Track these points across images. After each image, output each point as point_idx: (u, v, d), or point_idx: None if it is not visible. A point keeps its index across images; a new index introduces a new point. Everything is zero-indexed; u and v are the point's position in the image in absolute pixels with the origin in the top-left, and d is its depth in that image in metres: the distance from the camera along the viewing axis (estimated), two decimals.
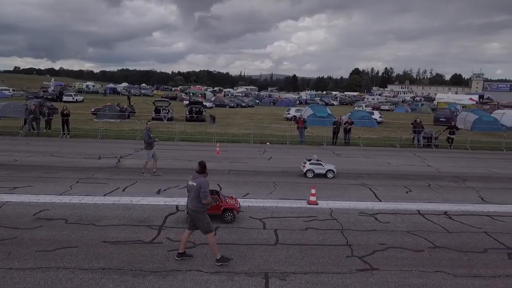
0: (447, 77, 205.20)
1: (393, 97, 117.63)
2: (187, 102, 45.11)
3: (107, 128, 24.76)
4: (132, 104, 39.92)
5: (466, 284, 6.53)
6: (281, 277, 6.48)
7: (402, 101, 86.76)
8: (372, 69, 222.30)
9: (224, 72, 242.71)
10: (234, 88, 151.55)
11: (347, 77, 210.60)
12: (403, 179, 14.30)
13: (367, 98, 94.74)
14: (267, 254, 7.36)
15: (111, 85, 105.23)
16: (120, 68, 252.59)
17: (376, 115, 40.01)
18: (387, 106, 66.98)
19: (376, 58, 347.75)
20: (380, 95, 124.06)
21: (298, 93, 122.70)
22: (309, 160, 14.28)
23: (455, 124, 25.64)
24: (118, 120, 30.56)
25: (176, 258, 6.97)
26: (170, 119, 32.39)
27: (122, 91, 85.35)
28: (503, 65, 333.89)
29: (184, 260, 6.95)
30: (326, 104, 72.50)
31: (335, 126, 23.75)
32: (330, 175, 14.02)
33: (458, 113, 42.37)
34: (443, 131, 24.67)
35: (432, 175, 15.37)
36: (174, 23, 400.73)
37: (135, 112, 35.58)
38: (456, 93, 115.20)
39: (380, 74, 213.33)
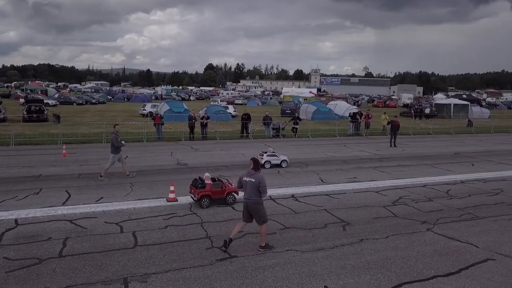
0: (291, 72, 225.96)
1: (245, 91, 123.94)
2: (24, 100, 39.82)
3: None
4: None
5: (311, 257, 7.38)
6: (141, 280, 6.31)
7: (254, 96, 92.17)
8: (225, 64, 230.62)
9: (69, 66, 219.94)
10: (82, 83, 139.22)
11: (202, 72, 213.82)
12: None
13: (222, 93, 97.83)
14: (126, 258, 7.07)
15: None
16: None
17: (231, 109, 41.75)
18: (241, 100, 70.34)
19: (228, 54, 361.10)
20: (233, 89, 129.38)
21: (154, 88, 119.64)
22: (266, 153, 15.41)
23: (298, 115, 28.43)
24: None
25: (223, 248, 7.53)
26: (2, 120, 28.08)
27: None
28: (334, 62, 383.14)
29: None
30: (183, 99, 72.42)
31: (191, 121, 23.96)
32: (284, 164, 15.49)
33: (300, 105, 47.20)
34: (289, 122, 27.18)
35: None
36: (2, 9, 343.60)
37: None
38: (299, 87, 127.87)
39: (232, 69, 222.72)
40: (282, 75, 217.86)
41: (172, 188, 10.73)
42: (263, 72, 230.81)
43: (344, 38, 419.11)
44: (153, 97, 74.27)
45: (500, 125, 35.98)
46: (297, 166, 16.06)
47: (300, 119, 27.57)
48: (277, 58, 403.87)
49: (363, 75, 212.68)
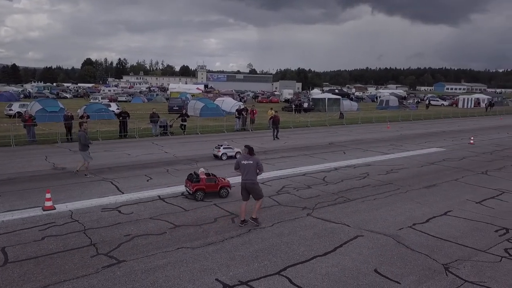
0: (177, 68, 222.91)
1: (129, 88, 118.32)
2: None
3: None
4: None
5: (203, 253, 7.50)
6: None
7: (139, 92, 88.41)
8: (106, 59, 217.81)
9: None
10: None
11: (80, 68, 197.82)
12: (144, 168, 14.85)
13: (103, 90, 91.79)
14: None
15: None
16: None
17: (114, 107, 39.45)
18: (124, 97, 66.88)
19: (109, 48, 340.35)
20: (116, 86, 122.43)
21: (22, 86, 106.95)
22: (221, 146, 17.09)
23: (186, 112, 28.22)
24: None
25: (240, 224, 8.81)
26: None
27: None
28: (220, 58, 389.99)
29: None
30: (58, 97, 66.09)
31: (67, 121, 22.07)
32: (238, 155, 16.01)
33: (188, 101, 46.83)
34: (176, 119, 26.82)
35: (170, 160, 16.60)
36: None
37: None
38: (186, 83, 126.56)
39: (114, 65, 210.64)
40: (168, 71, 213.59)
41: (48, 195, 9.82)
42: (148, 67, 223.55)
43: (228, 35, 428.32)
44: (22, 96, 66.28)
45: (366, 116, 40.78)
46: (187, 163, 16.02)
47: (188, 116, 27.38)
48: (162, 54, 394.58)
49: (248, 71, 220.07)
